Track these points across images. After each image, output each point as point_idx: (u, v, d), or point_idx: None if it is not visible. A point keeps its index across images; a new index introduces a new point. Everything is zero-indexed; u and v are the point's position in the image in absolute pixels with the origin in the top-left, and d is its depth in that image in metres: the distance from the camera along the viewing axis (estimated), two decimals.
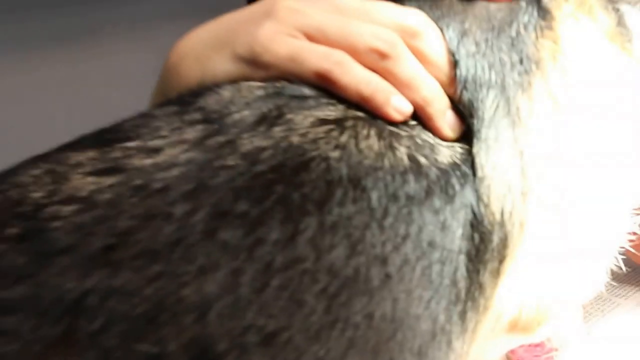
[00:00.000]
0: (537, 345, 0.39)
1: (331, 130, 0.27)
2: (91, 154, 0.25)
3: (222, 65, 0.32)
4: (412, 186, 0.27)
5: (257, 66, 0.31)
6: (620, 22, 0.36)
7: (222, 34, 0.34)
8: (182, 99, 0.31)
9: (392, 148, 0.28)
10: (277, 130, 0.26)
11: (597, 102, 0.33)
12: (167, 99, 0.32)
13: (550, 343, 0.40)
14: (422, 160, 0.29)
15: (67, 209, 0.23)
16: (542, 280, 0.32)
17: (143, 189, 0.24)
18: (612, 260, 0.34)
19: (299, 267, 0.24)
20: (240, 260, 0.23)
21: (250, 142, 0.26)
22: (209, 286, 0.22)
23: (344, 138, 0.27)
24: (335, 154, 0.26)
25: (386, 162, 0.27)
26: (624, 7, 0.37)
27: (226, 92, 0.29)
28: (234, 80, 0.31)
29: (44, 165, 0.25)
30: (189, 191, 0.24)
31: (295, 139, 0.26)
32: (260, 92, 0.29)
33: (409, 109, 0.29)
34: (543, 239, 0.31)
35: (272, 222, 0.24)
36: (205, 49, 0.34)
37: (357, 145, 0.27)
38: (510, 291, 0.31)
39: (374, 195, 0.26)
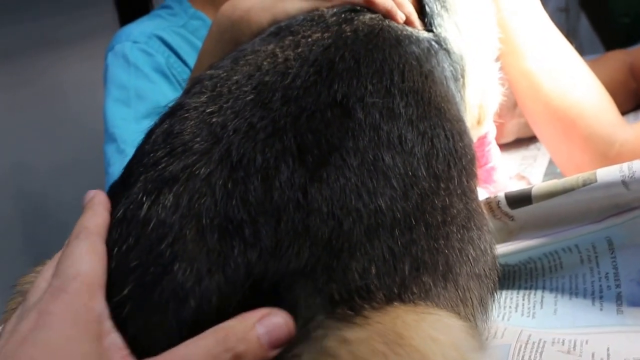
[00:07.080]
0: (482, 138, 0.68)
1: (380, 19, 0.51)
2: None
3: (294, 5, 0.53)
4: (421, 45, 0.52)
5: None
6: None
7: None
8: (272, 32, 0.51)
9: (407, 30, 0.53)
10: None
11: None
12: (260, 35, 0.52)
13: (487, 137, 0.68)
14: (416, 35, 0.54)
15: None
16: (479, 88, 0.60)
17: None
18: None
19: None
20: None
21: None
22: None
23: (387, 21, 0.51)
24: (388, 26, 0.50)
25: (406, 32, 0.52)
26: None
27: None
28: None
29: None
30: None
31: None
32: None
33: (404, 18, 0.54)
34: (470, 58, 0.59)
35: None
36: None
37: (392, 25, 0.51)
38: (469, 96, 0.58)
39: (416, 48, 0.50)
